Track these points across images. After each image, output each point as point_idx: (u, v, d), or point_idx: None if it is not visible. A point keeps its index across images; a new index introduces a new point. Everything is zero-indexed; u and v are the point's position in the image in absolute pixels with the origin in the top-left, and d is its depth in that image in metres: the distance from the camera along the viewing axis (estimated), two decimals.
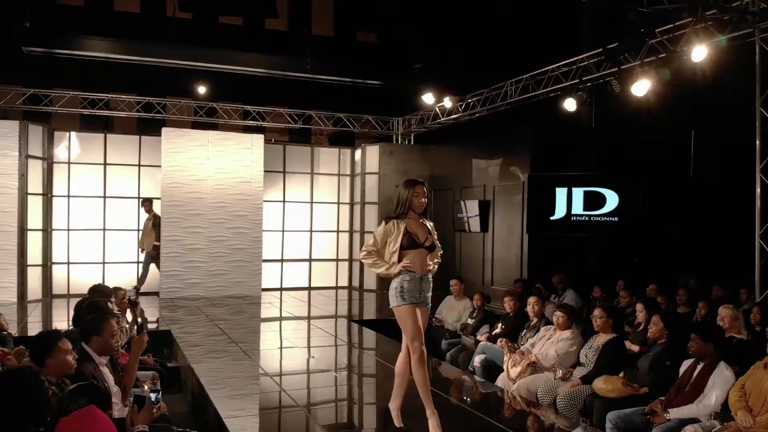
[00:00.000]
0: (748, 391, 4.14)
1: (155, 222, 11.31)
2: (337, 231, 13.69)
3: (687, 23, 6.88)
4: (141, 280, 11.33)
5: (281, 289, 12.92)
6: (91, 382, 3.45)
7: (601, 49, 7.85)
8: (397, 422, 4.24)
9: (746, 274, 7.16)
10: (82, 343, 3.93)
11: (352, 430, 5.09)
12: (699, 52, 6.59)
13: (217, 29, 13.21)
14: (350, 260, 13.71)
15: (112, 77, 11.95)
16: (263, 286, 12.13)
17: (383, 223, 4.18)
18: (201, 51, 11.23)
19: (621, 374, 5.20)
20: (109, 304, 5.23)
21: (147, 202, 11.48)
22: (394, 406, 4.28)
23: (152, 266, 11.47)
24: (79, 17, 12.45)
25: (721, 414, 4.31)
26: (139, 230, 11.78)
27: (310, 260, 13.44)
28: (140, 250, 11.55)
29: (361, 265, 13.23)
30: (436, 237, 4.25)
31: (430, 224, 4.26)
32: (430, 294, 4.20)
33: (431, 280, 4.21)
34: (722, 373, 4.39)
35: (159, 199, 11.46)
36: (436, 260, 4.23)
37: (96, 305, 4.80)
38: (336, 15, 14.53)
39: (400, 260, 4.07)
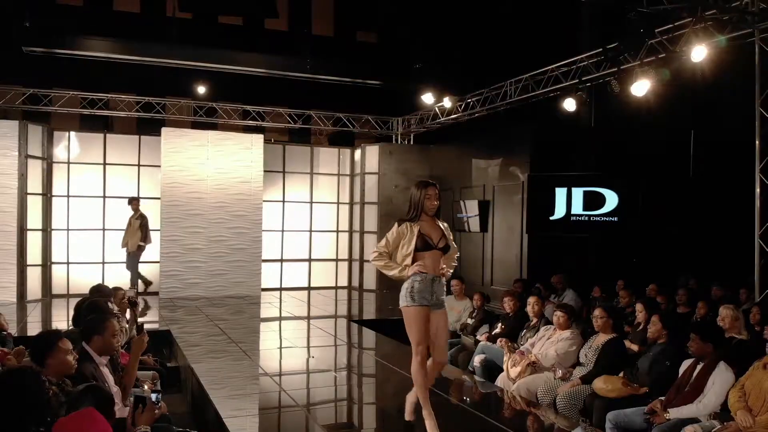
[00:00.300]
0: (748, 392, 4.15)
1: (143, 222, 11.16)
2: (337, 231, 13.69)
3: (687, 23, 6.88)
4: (133, 282, 11.08)
5: (281, 289, 12.92)
6: (98, 384, 3.44)
7: (600, 49, 7.85)
8: (408, 416, 4.23)
9: (746, 274, 7.15)
10: (83, 342, 3.93)
11: (352, 430, 5.09)
12: (699, 52, 6.60)
13: (217, 29, 13.20)
14: (350, 260, 13.72)
15: (111, 77, 11.94)
16: (263, 286, 12.14)
17: (396, 225, 4.15)
18: (201, 51, 11.23)
19: (621, 374, 5.20)
20: (109, 304, 5.23)
21: (135, 201, 11.32)
22: (411, 399, 4.25)
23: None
24: (79, 17, 12.44)
25: (720, 414, 4.31)
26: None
27: (309, 260, 13.44)
28: (126, 251, 11.14)
29: (361, 265, 13.28)
30: (451, 238, 4.23)
31: (444, 225, 4.24)
32: (443, 297, 4.17)
33: (444, 282, 4.18)
34: (722, 373, 4.39)
35: (158, 199, 11.45)
36: (452, 263, 4.22)
37: (96, 305, 4.81)
38: (336, 15, 14.52)
39: (414, 263, 4.04)
